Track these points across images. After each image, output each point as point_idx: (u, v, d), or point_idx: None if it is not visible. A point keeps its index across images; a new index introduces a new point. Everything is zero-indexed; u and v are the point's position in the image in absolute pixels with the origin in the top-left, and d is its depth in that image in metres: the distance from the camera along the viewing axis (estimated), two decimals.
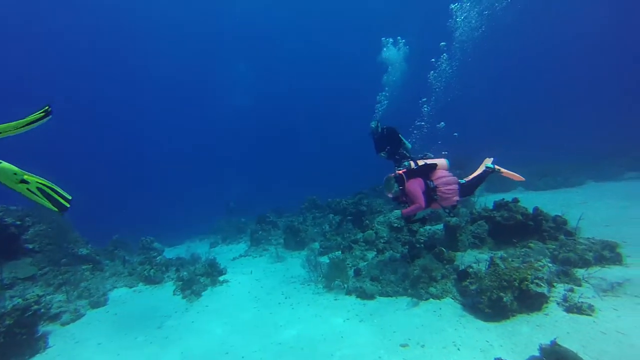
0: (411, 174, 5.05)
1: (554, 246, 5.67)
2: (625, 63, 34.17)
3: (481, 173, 5.47)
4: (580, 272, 4.96)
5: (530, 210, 6.26)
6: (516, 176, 5.61)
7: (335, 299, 5.74)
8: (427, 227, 7.33)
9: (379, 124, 7.09)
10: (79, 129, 38.83)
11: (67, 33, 30.90)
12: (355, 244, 7.45)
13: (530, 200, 6.64)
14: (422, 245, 6.17)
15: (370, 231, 7.43)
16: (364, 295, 5.56)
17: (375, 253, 6.90)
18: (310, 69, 43.06)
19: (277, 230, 11.49)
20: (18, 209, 7.09)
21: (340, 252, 7.61)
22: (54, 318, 5.73)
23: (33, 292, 5.90)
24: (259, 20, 35.57)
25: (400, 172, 5.12)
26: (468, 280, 4.84)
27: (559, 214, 6.33)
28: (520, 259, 5.44)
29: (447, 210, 5.38)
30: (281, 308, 5.68)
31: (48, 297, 6.00)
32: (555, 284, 4.75)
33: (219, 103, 43.06)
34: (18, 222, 6.63)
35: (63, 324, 5.72)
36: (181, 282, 6.68)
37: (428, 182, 4.96)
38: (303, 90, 44.12)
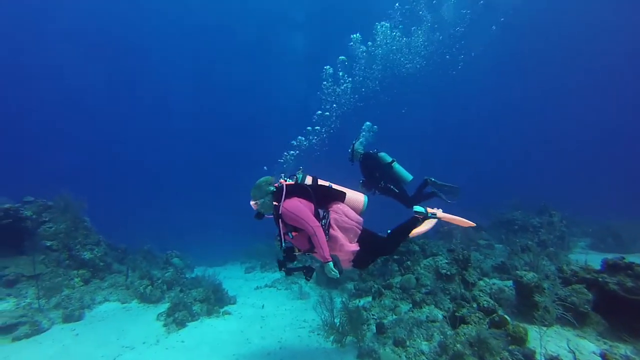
0: (297, 191, 3.28)
1: None
2: None
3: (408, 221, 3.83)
4: None
5: None
6: (464, 222, 3.90)
7: None
8: (491, 281, 5.22)
9: (353, 145, 5.55)
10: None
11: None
12: (387, 290, 5.69)
13: None
14: (477, 305, 4.19)
15: (410, 275, 5.62)
16: None
17: (410, 305, 5.08)
18: None
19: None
20: (37, 202, 7.12)
21: (371, 297, 5.98)
22: (8, 330, 4.86)
23: (27, 293, 5.57)
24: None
25: (284, 182, 3.39)
26: None
27: None
28: None
29: None
30: None
31: (25, 303, 5.50)
32: None
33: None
34: (34, 216, 6.63)
35: (15, 339, 4.84)
36: (170, 306, 5.76)
37: (319, 210, 3.29)
38: None
